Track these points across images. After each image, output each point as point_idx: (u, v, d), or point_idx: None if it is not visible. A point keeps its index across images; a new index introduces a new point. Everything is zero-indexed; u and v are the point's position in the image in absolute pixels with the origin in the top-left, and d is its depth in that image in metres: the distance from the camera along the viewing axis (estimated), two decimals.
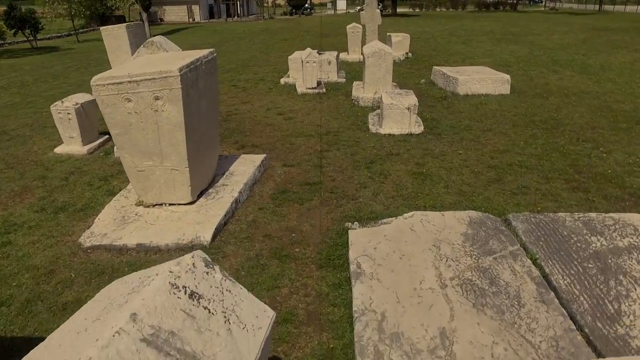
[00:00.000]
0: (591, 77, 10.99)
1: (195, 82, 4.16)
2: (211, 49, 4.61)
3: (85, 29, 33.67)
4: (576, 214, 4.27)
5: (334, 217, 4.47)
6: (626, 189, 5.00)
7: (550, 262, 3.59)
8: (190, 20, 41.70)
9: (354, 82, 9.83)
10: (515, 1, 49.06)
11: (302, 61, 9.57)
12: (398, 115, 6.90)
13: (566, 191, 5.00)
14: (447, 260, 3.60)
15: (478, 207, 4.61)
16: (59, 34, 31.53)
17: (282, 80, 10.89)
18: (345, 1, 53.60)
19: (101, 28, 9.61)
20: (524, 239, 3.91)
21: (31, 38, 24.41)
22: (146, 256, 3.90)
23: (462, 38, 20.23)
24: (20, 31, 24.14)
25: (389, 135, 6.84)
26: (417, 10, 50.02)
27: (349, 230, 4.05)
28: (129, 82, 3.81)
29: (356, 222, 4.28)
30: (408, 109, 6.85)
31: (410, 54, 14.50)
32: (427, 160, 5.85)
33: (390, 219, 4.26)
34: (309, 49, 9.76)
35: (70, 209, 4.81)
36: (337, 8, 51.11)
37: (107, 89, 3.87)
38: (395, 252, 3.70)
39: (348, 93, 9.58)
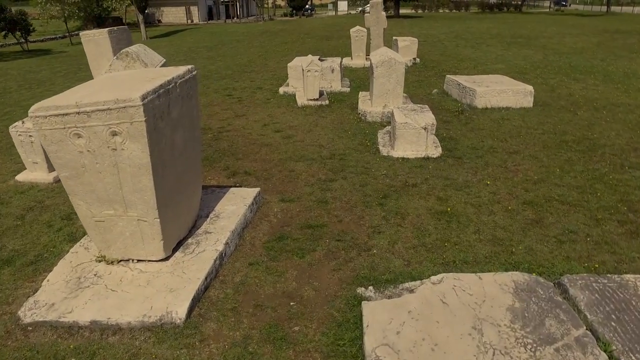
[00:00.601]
0: (618, 87, 10.09)
1: (167, 111, 3.27)
2: (190, 66, 3.72)
3: (81, 31, 32.80)
4: None
5: (342, 277, 3.58)
6: None
7: (634, 358, 2.70)
8: (189, 21, 40.83)
9: (360, 92, 8.94)
10: (519, 2, 48.17)
11: (302, 70, 8.68)
12: (413, 136, 6.01)
13: (623, 237, 4.11)
14: (494, 354, 2.71)
15: (520, 263, 3.72)
16: (54, 36, 30.69)
17: (281, 90, 10.00)
18: (346, 2, 52.70)
19: (81, 33, 8.74)
20: (589, 316, 3.02)
21: (22, 40, 23.54)
22: (102, 338, 3.01)
23: (470, 42, 19.34)
24: (10, 33, 23.27)
25: (403, 159, 5.95)
26: (420, 11, 49.14)
27: (363, 302, 3.16)
28: (77, 113, 2.92)
29: (371, 287, 3.39)
30: (425, 128, 5.96)
31: (417, 60, 13.61)
32: (450, 194, 4.96)
33: (414, 283, 3.37)
34: (310, 56, 8.88)
35: (18, 262, 3.92)
36: (339, 9, 50.28)
37: (49, 122, 2.98)
38: (424, 340, 2.81)
39: (353, 105, 8.69)
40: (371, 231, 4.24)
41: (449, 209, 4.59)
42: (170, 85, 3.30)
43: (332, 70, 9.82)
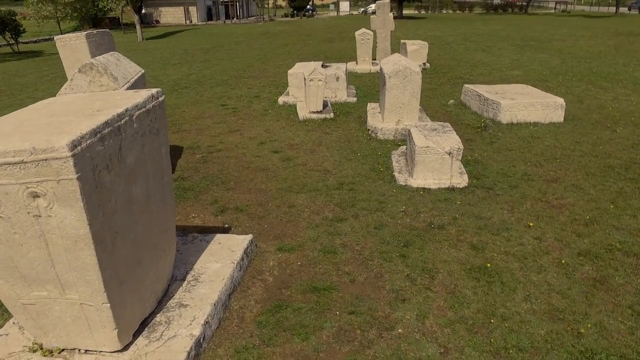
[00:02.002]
0: None
1: (117, 157, 2.36)
2: (154, 90, 2.80)
3: (78, 32, 31.80)
4: None
5: None
6: None
7: None
8: (187, 22, 39.91)
9: (369, 104, 8.01)
10: (525, 3, 47.24)
11: (305, 78, 7.77)
12: (435, 162, 5.09)
13: None
14: None
15: (594, 351, 2.79)
16: (49, 37, 29.77)
17: (281, 100, 9.08)
18: (348, 2, 51.70)
19: (55, 38, 7.85)
20: None
21: (12, 42, 22.64)
22: None
23: (480, 44, 18.41)
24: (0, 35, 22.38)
25: (424, 190, 5.03)
26: (423, 12, 48.20)
27: None
28: None
29: None
30: (449, 153, 5.05)
31: (427, 65, 12.69)
32: (486, 240, 4.04)
33: None
34: (313, 64, 7.97)
35: None
36: (340, 10, 49.27)
37: None
38: None
39: (361, 118, 7.78)
40: (393, 298, 3.31)
41: (488, 265, 3.66)
42: (123, 120, 2.39)
43: (337, 79, 8.90)
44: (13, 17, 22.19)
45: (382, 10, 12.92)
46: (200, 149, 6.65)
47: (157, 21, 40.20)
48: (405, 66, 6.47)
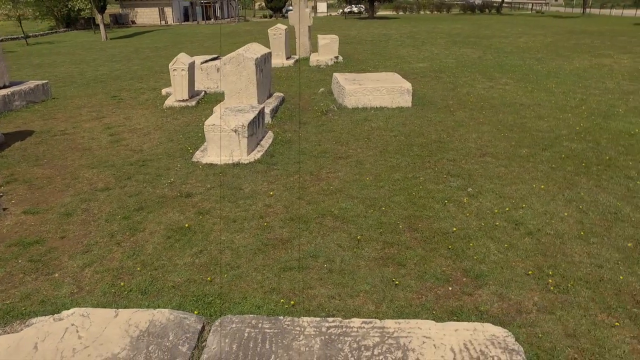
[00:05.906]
0: (527, 86, 9.47)
1: None
2: None
3: (54, 31, 32.06)
4: (330, 319, 2.74)
5: None
6: (462, 261, 3.45)
7: None
8: (163, 22, 40.35)
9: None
10: (498, 4, 47.55)
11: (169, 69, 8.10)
12: (224, 140, 5.41)
13: (374, 264, 3.47)
14: None
15: (206, 296, 3.10)
16: (15, 36, 30.05)
17: (164, 91, 9.42)
18: (325, 3, 52.17)
19: None
20: None
21: None
22: None
23: (418, 41, 18.73)
24: None
25: (209, 165, 5.34)
26: (401, 13, 48.50)
27: None
28: None
29: None
30: (235, 131, 5.36)
31: (340, 58, 13.01)
32: (217, 207, 4.34)
33: (44, 317, 2.76)
34: (181, 54, 8.29)
35: None
36: (318, 10, 49.76)
37: None
38: None
39: None
40: (81, 250, 3.63)
41: (187, 225, 3.97)
42: None
43: (218, 70, 9.22)
44: None
45: (299, 6, 13.26)
46: (49, 133, 6.97)
47: (133, 21, 40.62)
48: (239, 53, 6.79)
